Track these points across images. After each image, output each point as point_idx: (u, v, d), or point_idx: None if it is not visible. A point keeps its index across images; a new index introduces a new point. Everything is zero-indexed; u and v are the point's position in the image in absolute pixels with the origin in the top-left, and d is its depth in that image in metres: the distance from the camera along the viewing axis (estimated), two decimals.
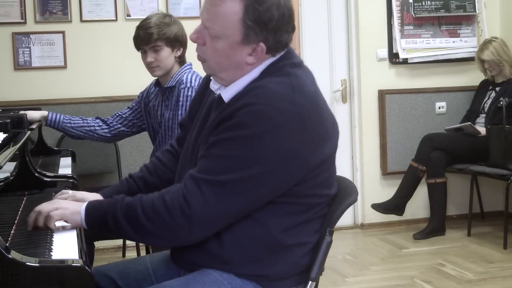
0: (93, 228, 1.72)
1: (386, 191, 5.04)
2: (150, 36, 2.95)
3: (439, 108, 5.24)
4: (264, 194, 1.63)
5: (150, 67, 3.02)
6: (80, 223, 1.71)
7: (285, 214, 1.69)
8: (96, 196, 1.92)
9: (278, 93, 1.63)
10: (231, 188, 1.60)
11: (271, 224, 1.68)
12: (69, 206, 1.74)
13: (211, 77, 1.81)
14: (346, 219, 5.12)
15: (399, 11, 5.14)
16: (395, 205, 4.89)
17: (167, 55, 3.00)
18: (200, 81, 2.93)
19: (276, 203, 1.67)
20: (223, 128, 1.64)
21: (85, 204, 1.72)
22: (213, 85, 1.80)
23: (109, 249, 4.59)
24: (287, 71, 1.70)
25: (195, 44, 1.75)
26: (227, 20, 1.64)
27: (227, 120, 1.64)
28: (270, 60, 1.72)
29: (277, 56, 1.72)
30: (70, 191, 1.95)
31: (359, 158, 5.20)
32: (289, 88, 1.65)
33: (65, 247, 1.61)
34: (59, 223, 1.73)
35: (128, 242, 4.48)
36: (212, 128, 1.69)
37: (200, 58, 1.75)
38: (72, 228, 1.74)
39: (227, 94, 1.72)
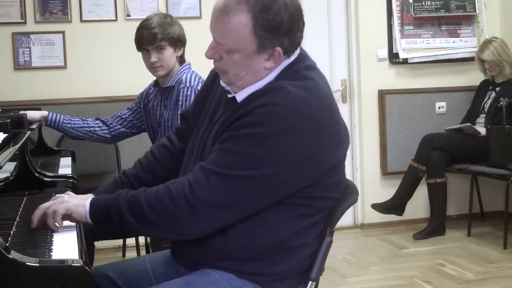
0: (97, 222, 1.71)
1: (386, 191, 5.04)
2: (154, 36, 2.95)
3: (439, 108, 5.24)
4: (272, 193, 1.63)
5: (153, 67, 3.02)
6: (85, 216, 1.70)
7: (295, 217, 1.69)
8: (90, 197, 1.91)
9: (296, 95, 1.63)
10: (240, 183, 1.60)
11: (281, 227, 1.68)
12: (73, 199, 1.74)
13: None
14: (346, 219, 5.12)
15: (399, 11, 5.14)
16: (395, 205, 4.89)
17: (170, 54, 3.01)
18: (202, 83, 2.95)
19: (288, 204, 1.67)
20: (238, 125, 1.64)
21: (89, 199, 1.72)
22: (223, 82, 1.79)
23: (109, 249, 4.59)
24: (303, 74, 1.70)
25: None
26: (239, 34, 1.63)
27: (243, 118, 1.64)
28: (286, 63, 1.72)
29: (292, 58, 1.72)
30: (63, 195, 1.94)
31: (359, 158, 5.20)
32: (307, 91, 1.65)
33: (65, 247, 1.61)
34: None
35: (128, 242, 4.48)
36: (226, 126, 1.68)
37: (220, 71, 1.74)
38: (74, 224, 1.74)
39: (241, 95, 1.72)
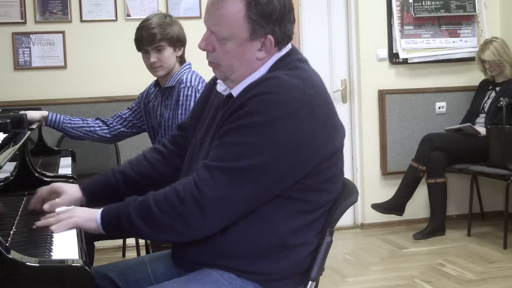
0: (110, 232, 1.72)
1: (386, 191, 5.04)
2: (154, 37, 2.95)
3: (439, 108, 5.24)
4: (276, 182, 1.64)
5: (152, 67, 3.02)
6: (96, 229, 1.71)
7: (294, 213, 1.70)
8: (75, 187, 1.94)
9: (289, 83, 1.66)
10: (243, 174, 1.61)
11: (280, 223, 1.68)
12: (83, 214, 1.74)
13: (218, 80, 1.84)
14: (346, 219, 5.12)
15: (399, 11, 5.14)
16: (395, 205, 4.89)
17: (169, 55, 3.01)
18: (203, 83, 2.97)
19: (287, 199, 1.68)
20: (235, 117, 1.66)
21: (100, 210, 1.73)
22: (220, 87, 1.82)
23: (109, 249, 4.59)
24: (295, 65, 1.73)
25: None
26: (233, 20, 1.67)
27: (239, 109, 1.66)
28: (277, 56, 1.75)
29: (283, 52, 1.76)
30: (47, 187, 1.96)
31: (359, 158, 5.20)
32: (300, 79, 1.68)
33: (65, 247, 1.61)
34: (60, 209, 1.77)
35: (128, 242, 4.48)
36: (224, 120, 1.71)
37: (212, 64, 1.77)
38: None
39: (236, 91, 1.75)
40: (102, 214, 1.72)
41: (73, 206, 1.84)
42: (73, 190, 1.93)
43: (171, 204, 1.63)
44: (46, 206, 1.86)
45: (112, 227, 1.71)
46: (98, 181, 2.00)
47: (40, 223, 1.74)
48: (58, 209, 1.78)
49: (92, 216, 1.72)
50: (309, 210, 1.72)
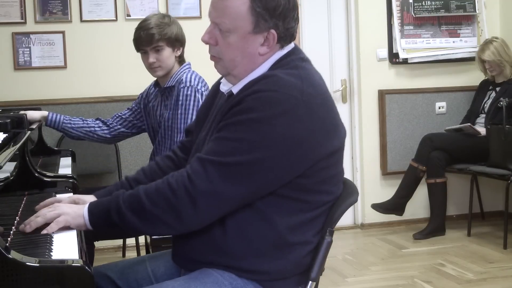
0: (98, 228, 1.71)
1: (386, 191, 5.04)
2: (152, 37, 2.95)
3: (439, 108, 5.24)
4: (269, 179, 1.64)
5: (151, 67, 3.02)
6: (84, 225, 1.69)
7: (293, 211, 1.70)
8: (91, 198, 1.92)
9: (288, 81, 1.66)
10: (236, 170, 1.61)
11: (278, 220, 1.68)
12: (70, 210, 1.72)
13: (221, 80, 1.84)
14: (346, 219, 5.12)
15: (399, 11, 5.14)
16: (395, 205, 4.89)
17: (168, 55, 3.01)
18: (202, 83, 2.98)
19: (284, 198, 1.68)
20: (232, 113, 1.67)
21: (87, 205, 1.71)
22: (223, 87, 1.83)
23: (109, 249, 4.59)
24: (296, 64, 1.73)
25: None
26: (236, 11, 1.68)
27: (237, 106, 1.66)
28: (279, 54, 1.75)
29: (285, 51, 1.76)
30: (67, 195, 1.95)
31: (359, 158, 5.20)
32: (298, 78, 1.68)
33: (65, 247, 1.61)
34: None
35: (128, 242, 4.48)
36: (222, 115, 1.71)
37: (214, 58, 1.77)
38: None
39: (236, 88, 1.75)
40: (90, 209, 1.70)
41: (56, 203, 1.80)
42: (90, 200, 1.92)
43: (163, 196, 1.63)
44: None
45: (101, 222, 1.69)
46: (113, 191, 1.98)
47: (27, 225, 1.69)
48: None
49: (78, 212, 1.70)
50: (308, 209, 1.72)
